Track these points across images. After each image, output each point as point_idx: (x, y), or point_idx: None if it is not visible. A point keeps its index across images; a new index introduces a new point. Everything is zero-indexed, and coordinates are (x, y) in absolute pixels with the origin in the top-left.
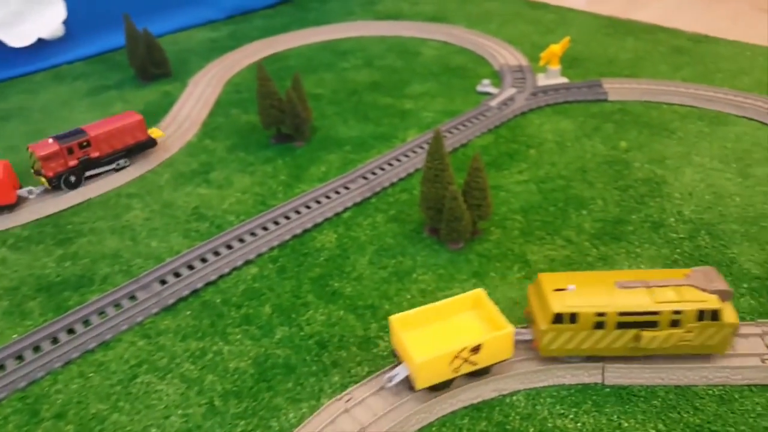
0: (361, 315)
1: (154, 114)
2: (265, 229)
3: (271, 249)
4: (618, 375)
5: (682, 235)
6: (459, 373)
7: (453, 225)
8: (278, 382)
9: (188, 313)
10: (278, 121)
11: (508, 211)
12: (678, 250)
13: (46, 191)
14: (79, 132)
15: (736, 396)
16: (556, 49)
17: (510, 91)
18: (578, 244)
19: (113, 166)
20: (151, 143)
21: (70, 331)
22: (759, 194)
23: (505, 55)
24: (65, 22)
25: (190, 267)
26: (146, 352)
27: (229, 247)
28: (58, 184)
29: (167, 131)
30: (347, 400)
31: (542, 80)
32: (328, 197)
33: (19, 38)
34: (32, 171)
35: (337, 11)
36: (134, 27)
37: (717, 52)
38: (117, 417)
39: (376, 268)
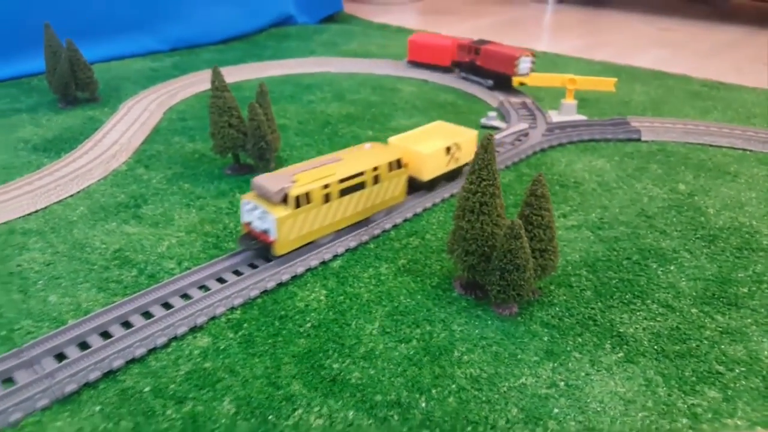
0: (384, 419)
1: (72, 140)
2: (220, 281)
3: (231, 309)
4: None
5: None
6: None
7: (512, 278)
8: None
9: (97, 408)
10: (236, 146)
11: (568, 264)
12: None
13: None
14: None
15: None
16: (575, 81)
17: (521, 126)
18: (683, 311)
19: None
20: None
21: None
22: None
23: (496, 95)
24: None
25: (105, 335)
26: None
27: (167, 305)
28: None
29: (85, 159)
30: None
31: (556, 116)
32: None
33: None
34: None
35: (296, 50)
36: (56, 38)
37: (740, 97)
38: None
39: (393, 341)
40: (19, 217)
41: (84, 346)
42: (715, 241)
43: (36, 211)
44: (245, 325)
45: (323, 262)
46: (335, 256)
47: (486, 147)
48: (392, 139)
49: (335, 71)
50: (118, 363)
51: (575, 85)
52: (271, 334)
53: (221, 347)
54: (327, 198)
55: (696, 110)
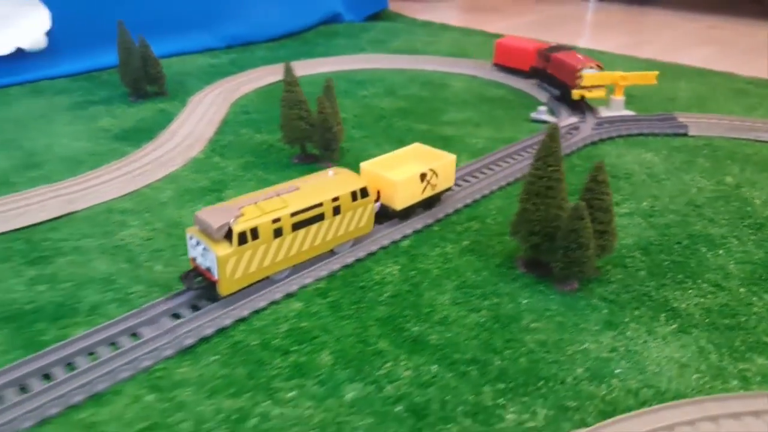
0: (464, 373)
1: (148, 130)
2: None
3: (317, 280)
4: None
5: None
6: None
7: (575, 255)
8: None
9: (214, 358)
10: (304, 137)
11: (622, 247)
12: None
13: None
14: None
15: None
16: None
17: (571, 120)
18: (731, 290)
19: None
20: None
21: (46, 377)
22: None
23: (548, 90)
24: (48, 34)
25: (213, 298)
26: (159, 412)
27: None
28: None
29: (165, 147)
30: None
31: (605, 111)
32: (378, 222)
33: None
34: None
35: (345, 47)
36: (129, 36)
37: None
38: None
39: (465, 310)
40: (115, 198)
41: (195, 308)
42: (762, 229)
43: (129, 193)
44: (331, 293)
45: (393, 242)
46: (404, 237)
47: (552, 136)
48: (364, 164)
49: (384, 67)
50: (228, 321)
51: (626, 82)
52: (355, 302)
53: (312, 311)
54: (278, 233)
55: (741, 107)
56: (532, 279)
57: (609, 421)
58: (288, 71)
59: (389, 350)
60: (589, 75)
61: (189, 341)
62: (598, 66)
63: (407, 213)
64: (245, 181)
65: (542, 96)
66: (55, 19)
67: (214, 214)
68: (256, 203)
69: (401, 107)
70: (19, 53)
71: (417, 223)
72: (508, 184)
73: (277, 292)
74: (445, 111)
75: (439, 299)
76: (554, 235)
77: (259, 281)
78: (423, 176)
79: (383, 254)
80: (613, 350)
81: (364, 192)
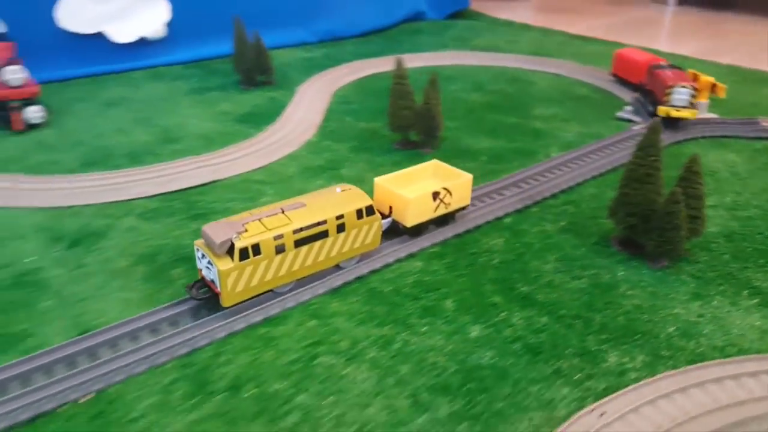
0: (570, 325)
1: (264, 115)
2: None
3: (433, 245)
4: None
5: None
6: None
7: (669, 236)
8: (491, 385)
9: (356, 299)
10: (408, 125)
11: (707, 234)
12: None
13: None
14: None
15: None
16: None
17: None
18: None
19: None
20: None
21: None
22: None
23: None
24: (168, 24)
25: None
26: (321, 333)
27: (386, 238)
28: None
29: (283, 131)
30: (601, 414)
31: None
32: (482, 201)
33: (122, 34)
34: None
35: (430, 44)
36: (244, 32)
37: None
38: (303, 399)
39: (567, 277)
40: (249, 171)
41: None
42: None
43: (260, 168)
44: (446, 256)
45: (497, 218)
46: (506, 214)
47: (654, 129)
48: (379, 180)
49: (469, 64)
50: (365, 270)
51: (719, 92)
52: (468, 264)
53: (432, 269)
54: (280, 249)
55: None
56: (626, 256)
57: (699, 365)
58: (399, 66)
59: (503, 303)
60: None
61: (337, 284)
62: (694, 87)
63: (418, 230)
64: (356, 162)
65: (626, 96)
66: (174, 11)
67: (218, 230)
68: (260, 219)
69: (490, 101)
70: (142, 41)
71: (518, 203)
72: (600, 175)
73: (401, 251)
74: (533, 106)
75: (543, 267)
76: (650, 217)
77: (261, 294)
78: (436, 194)
79: (489, 228)
80: (700, 316)
81: (370, 210)
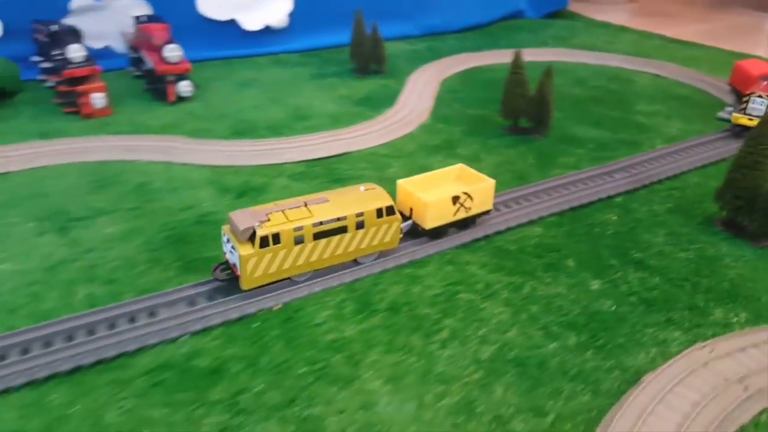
0: (680, 286)
1: (380, 100)
2: (534, 197)
3: (551, 215)
4: None
5: None
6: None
7: None
8: (612, 325)
9: (484, 253)
10: (520, 112)
11: None
12: None
13: None
14: None
15: None
16: None
17: None
18: None
19: None
20: None
21: None
22: None
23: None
24: (290, 15)
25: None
26: (458, 276)
27: (507, 206)
28: None
29: (400, 114)
30: (711, 351)
31: None
32: (593, 182)
33: (251, 22)
34: None
35: (528, 41)
36: (363, 24)
37: None
38: (450, 322)
39: (675, 249)
40: (375, 146)
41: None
42: None
43: (384, 144)
44: (563, 225)
45: (609, 196)
46: (617, 193)
47: (766, 121)
48: (401, 182)
49: (569, 61)
50: (491, 231)
51: None
52: (584, 233)
53: (551, 234)
54: (299, 240)
55: None
56: (729, 235)
57: None
58: (517, 57)
59: (618, 265)
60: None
61: (467, 240)
62: None
63: (438, 233)
64: (470, 143)
65: (726, 98)
66: (295, 3)
67: (243, 217)
68: (283, 211)
69: (592, 96)
70: (266, 30)
71: (627, 185)
72: (703, 166)
73: (522, 217)
74: (635, 102)
75: (653, 240)
76: (755, 200)
77: (279, 281)
78: (456, 199)
79: (601, 205)
80: None
81: (390, 210)
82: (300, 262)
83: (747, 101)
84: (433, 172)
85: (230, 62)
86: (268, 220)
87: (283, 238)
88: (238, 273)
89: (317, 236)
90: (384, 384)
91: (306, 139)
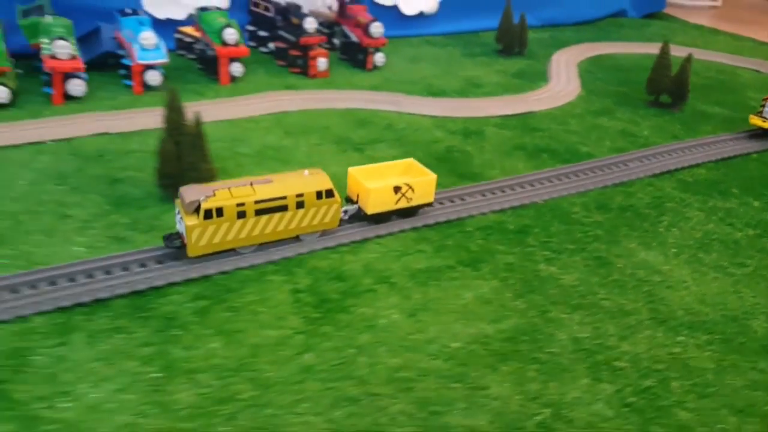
0: None
1: (534, 74)
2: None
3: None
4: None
5: None
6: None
7: None
8: None
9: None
10: (662, 89)
11: None
12: None
13: None
14: None
15: None
16: None
17: None
18: None
19: None
20: None
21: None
22: None
23: None
24: (440, 2)
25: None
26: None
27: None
28: None
29: (557, 87)
30: None
31: None
32: (724, 143)
33: (409, 8)
34: None
35: (634, 36)
36: (512, 12)
37: None
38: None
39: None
40: (548, 108)
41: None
42: None
43: (554, 107)
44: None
45: (743, 155)
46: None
47: None
48: (352, 170)
49: (676, 55)
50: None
51: None
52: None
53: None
54: (241, 215)
55: None
56: None
57: None
58: (665, 45)
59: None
60: None
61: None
62: None
63: (380, 218)
64: (624, 111)
65: None
66: None
67: (191, 191)
68: (229, 188)
69: (706, 84)
70: (420, 15)
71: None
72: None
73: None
74: (745, 90)
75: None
76: None
77: (224, 251)
78: (397, 189)
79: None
80: None
81: (329, 193)
82: (243, 235)
83: (765, 105)
84: (383, 163)
85: (393, 42)
86: (214, 195)
87: (226, 212)
88: (185, 241)
89: (259, 212)
90: None
91: (492, 100)
